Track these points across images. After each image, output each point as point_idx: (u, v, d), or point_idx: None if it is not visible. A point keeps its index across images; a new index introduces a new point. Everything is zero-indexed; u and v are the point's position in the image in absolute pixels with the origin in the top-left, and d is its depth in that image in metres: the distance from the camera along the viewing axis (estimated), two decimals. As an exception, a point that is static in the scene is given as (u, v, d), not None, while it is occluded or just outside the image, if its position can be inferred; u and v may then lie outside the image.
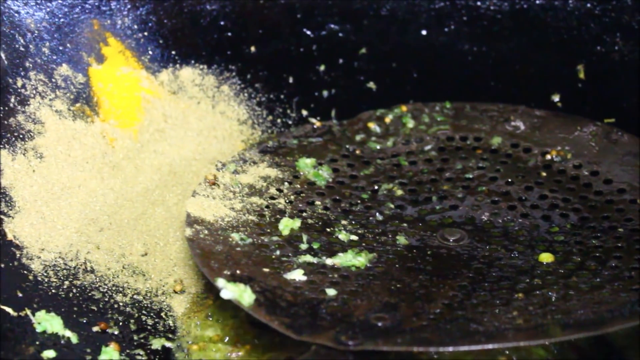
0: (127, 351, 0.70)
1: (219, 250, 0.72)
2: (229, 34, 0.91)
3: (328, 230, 0.77)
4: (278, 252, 0.73)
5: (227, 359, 0.71)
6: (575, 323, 0.63)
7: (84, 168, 0.82)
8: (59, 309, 0.71)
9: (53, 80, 0.83)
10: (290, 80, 0.93)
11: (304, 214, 0.79)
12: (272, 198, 0.80)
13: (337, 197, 0.81)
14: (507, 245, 0.75)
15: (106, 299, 0.74)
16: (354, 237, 0.76)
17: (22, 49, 0.81)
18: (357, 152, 0.86)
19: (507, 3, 0.91)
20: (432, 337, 0.63)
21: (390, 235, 0.77)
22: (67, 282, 0.74)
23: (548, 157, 0.84)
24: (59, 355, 0.66)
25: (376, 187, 0.83)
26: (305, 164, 0.83)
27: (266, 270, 0.70)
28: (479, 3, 0.91)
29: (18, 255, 0.73)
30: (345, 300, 0.68)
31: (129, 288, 0.76)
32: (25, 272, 0.73)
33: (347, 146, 0.87)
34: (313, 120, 0.91)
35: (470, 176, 0.83)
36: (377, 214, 0.80)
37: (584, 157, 0.83)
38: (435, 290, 0.69)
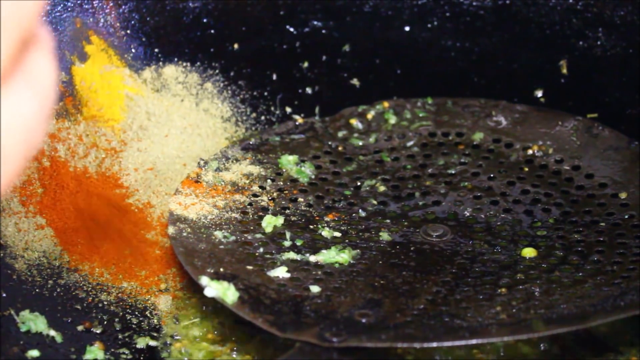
0: (112, 350, 0.70)
1: (202, 248, 0.72)
2: (212, 31, 0.91)
3: (311, 227, 0.77)
4: (261, 250, 0.73)
5: (212, 356, 0.71)
6: (559, 318, 0.64)
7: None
8: (43, 308, 0.71)
9: (35, 79, 0.82)
10: (274, 77, 0.93)
11: (287, 211, 0.79)
12: (255, 195, 0.80)
13: (320, 194, 0.81)
14: (490, 241, 0.75)
15: (90, 298, 0.74)
16: (337, 234, 0.76)
17: (3, 48, 0.81)
18: (340, 148, 0.86)
19: (490, -1, 0.91)
20: (416, 332, 0.63)
21: (373, 232, 0.77)
22: (51, 281, 0.74)
23: (530, 152, 0.84)
24: (43, 354, 0.66)
25: (359, 184, 0.83)
26: (288, 161, 0.83)
27: (250, 267, 0.71)
28: (461, -1, 0.92)
29: (1, 254, 0.73)
30: (329, 297, 0.68)
31: (113, 287, 0.76)
32: (8, 271, 0.72)
33: (330, 143, 0.87)
34: (296, 117, 0.91)
35: (453, 172, 0.84)
36: (360, 210, 0.80)
37: (566, 151, 0.83)
38: (418, 286, 0.69)
